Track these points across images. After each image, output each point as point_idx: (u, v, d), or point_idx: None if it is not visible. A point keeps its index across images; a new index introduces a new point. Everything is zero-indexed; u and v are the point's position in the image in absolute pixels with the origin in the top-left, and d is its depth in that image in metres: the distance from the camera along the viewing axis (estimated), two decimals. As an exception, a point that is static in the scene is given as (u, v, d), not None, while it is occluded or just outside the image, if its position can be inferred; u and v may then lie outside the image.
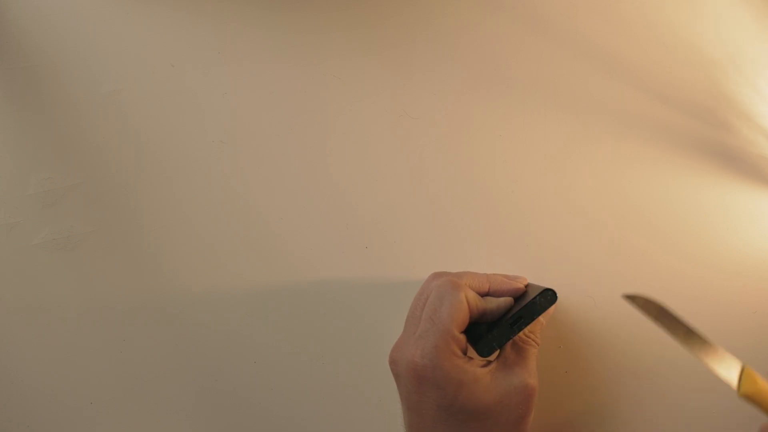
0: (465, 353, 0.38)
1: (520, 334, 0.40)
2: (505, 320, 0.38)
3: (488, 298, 0.40)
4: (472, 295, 0.39)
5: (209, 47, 0.47)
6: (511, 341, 0.39)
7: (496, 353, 0.40)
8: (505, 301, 0.40)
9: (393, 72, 0.47)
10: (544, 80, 0.48)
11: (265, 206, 0.47)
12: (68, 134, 0.46)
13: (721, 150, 0.47)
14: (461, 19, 0.48)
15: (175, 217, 0.46)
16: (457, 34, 0.48)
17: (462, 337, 0.38)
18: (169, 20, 0.47)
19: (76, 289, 0.46)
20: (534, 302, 0.38)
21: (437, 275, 0.41)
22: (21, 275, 0.46)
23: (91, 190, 0.46)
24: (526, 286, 0.42)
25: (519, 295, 0.41)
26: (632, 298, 0.32)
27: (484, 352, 0.39)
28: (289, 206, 0.47)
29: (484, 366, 0.38)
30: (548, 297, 0.38)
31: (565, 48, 0.48)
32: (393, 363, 0.39)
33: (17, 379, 0.46)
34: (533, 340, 0.40)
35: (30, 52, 0.46)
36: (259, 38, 0.47)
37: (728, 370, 0.31)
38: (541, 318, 0.40)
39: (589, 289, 0.45)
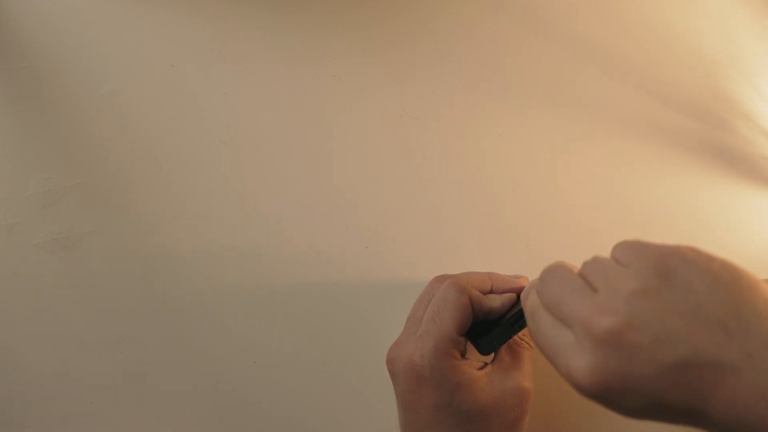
0: (464, 355, 0.38)
1: (515, 337, 0.40)
2: (506, 319, 0.38)
3: (491, 296, 0.40)
4: (477, 296, 0.39)
5: (209, 47, 0.47)
6: (506, 344, 0.39)
7: (493, 355, 0.40)
8: (508, 297, 0.40)
9: (393, 72, 0.47)
10: (544, 80, 0.48)
11: (265, 206, 0.47)
12: (68, 134, 0.46)
13: (721, 150, 0.47)
14: (461, 20, 0.48)
15: (175, 217, 0.46)
16: (457, 34, 0.48)
17: (462, 340, 0.38)
18: (169, 20, 0.47)
19: (76, 289, 0.46)
20: None
21: (440, 278, 0.41)
22: (21, 275, 0.46)
23: (91, 190, 0.46)
24: (528, 285, 0.42)
25: (521, 293, 0.41)
26: None
27: (484, 351, 0.39)
28: (289, 206, 0.47)
29: (481, 368, 0.38)
30: None
31: (565, 48, 0.48)
32: (390, 362, 0.39)
33: (17, 379, 0.46)
34: (527, 343, 0.41)
35: (30, 52, 0.46)
36: (259, 38, 0.47)
37: None
38: None
39: (589, 289, 0.45)
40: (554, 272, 0.31)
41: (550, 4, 0.48)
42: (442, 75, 0.48)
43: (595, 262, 0.30)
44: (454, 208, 0.47)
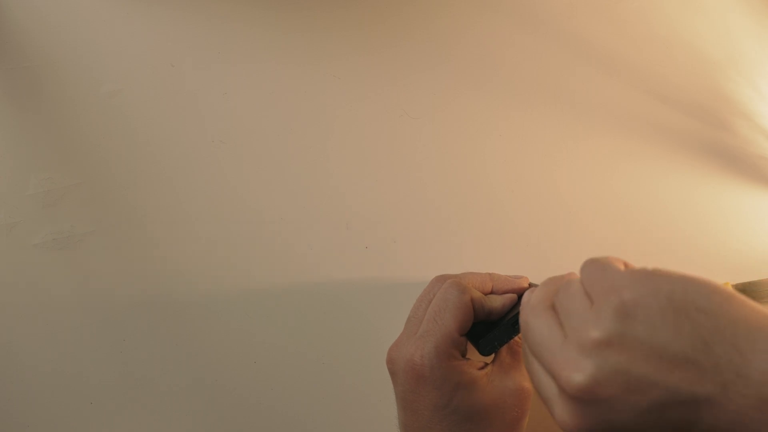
0: (464, 355, 0.38)
1: (516, 338, 0.40)
2: (507, 320, 0.38)
3: (492, 296, 0.40)
4: (478, 296, 0.39)
5: (209, 47, 0.47)
6: (506, 344, 0.39)
7: (493, 355, 0.40)
8: (509, 298, 0.40)
9: (393, 72, 0.47)
10: (544, 80, 0.48)
11: (265, 206, 0.47)
12: (68, 134, 0.46)
13: (721, 150, 0.47)
14: (461, 19, 0.48)
15: (175, 217, 0.46)
16: (456, 33, 0.48)
17: (463, 340, 0.38)
18: (169, 20, 0.47)
19: (76, 289, 0.46)
20: None
21: (441, 278, 0.41)
22: (21, 275, 0.46)
23: (91, 190, 0.46)
24: (529, 285, 0.42)
25: (522, 293, 0.41)
26: None
27: (485, 351, 0.39)
28: (289, 206, 0.47)
29: (481, 368, 0.38)
30: None
31: (565, 48, 0.48)
32: (390, 362, 0.39)
33: (17, 379, 0.46)
34: None
35: (30, 52, 0.46)
36: (258, 38, 0.47)
37: None
38: None
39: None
40: (531, 314, 0.31)
41: (549, 4, 0.48)
42: (442, 75, 0.48)
43: (566, 289, 0.30)
44: (454, 207, 0.47)
